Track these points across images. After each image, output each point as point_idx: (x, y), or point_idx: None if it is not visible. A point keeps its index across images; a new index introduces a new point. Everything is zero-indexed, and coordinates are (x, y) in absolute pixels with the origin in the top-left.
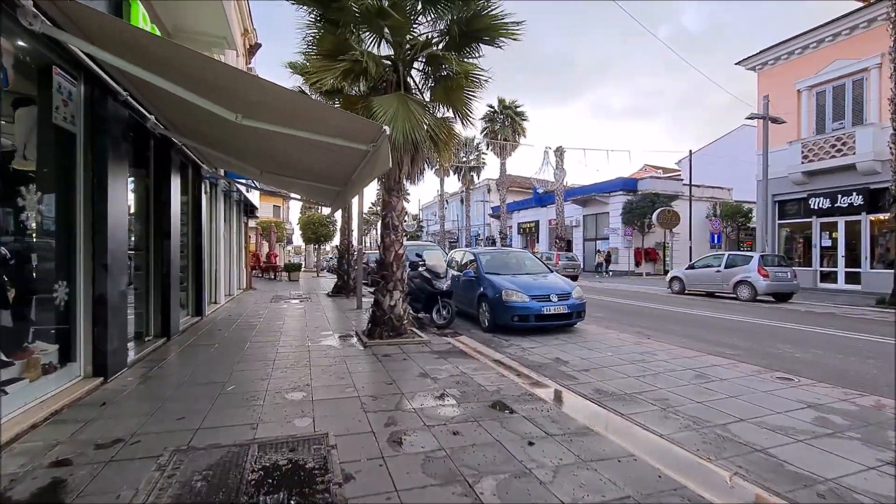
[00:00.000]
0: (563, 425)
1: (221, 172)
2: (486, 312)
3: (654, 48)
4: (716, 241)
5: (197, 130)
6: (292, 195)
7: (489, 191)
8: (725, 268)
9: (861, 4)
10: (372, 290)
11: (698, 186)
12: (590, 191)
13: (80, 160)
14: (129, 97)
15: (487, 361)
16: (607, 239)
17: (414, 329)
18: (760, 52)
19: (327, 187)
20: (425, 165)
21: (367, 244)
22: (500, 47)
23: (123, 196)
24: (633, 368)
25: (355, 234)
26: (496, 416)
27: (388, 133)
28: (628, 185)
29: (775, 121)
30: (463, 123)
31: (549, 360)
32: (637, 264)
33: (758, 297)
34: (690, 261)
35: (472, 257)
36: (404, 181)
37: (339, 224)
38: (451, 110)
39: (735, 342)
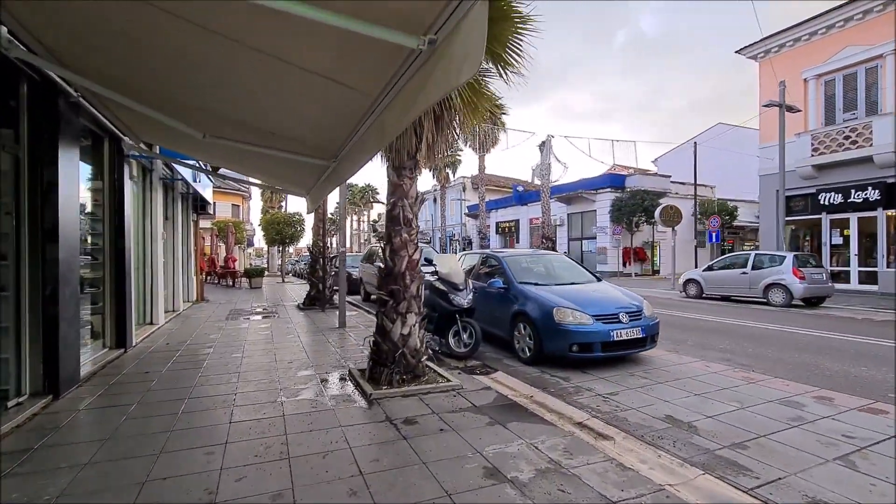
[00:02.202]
0: None
1: (156, 150)
2: (526, 338)
3: (613, 51)
4: (713, 240)
5: (105, 59)
6: (253, 181)
7: (464, 189)
8: (753, 269)
9: None
10: (353, 300)
11: (683, 184)
12: (576, 188)
13: None
14: None
15: (570, 427)
16: (594, 238)
17: (431, 365)
18: (763, 39)
19: (311, 161)
20: (455, 134)
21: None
22: None
23: None
24: (804, 437)
25: (340, 237)
26: None
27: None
28: (616, 181)
29: (791, 109)
30: (505, 76)
31: (657, 419)
32: (624, 264)
33: (793, 302)
34: (674, 261)
35: (496, 262)
36: (422, 158)
37: (309, 223)
38: (488, 60)
39: (872, 374)
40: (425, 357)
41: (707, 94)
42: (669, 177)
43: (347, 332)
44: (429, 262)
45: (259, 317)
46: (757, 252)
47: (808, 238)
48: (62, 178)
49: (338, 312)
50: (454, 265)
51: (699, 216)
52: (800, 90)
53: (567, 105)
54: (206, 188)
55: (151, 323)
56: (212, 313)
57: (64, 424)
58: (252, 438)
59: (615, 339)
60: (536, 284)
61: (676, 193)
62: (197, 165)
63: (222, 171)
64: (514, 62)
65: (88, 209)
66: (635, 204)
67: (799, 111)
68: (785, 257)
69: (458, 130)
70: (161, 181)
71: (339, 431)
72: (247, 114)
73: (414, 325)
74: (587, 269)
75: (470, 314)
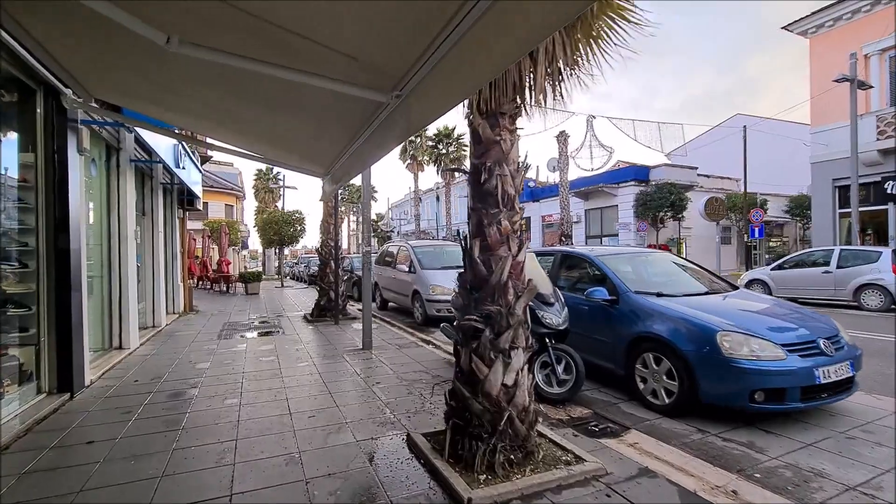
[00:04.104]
0: None
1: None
2: (661, 376)
3: (608, 49)
4: (757, 235)
5: None
6: (250, 153)
7: None
8: (838, 267)
9: None
10: (374, 308)
11: (708, 177)
12: (595, 181)
13: None
14: None
15: None
16: (615, 236)
17: (547, 433)
18: (814, 12)
19: (357, 95)
20: (591, 52)
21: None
22: None
23: None
24: None
25: (366, 230)
26: None
27: None
28: (640, 174)
29: (862, 85)
30: None
31: None
32: None
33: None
34: (719, 258)
35: (589, 264)
36: (539, 90)
37: (311, 221)
38: None
39: None
40: (540, 420)
41: (699, 93)
42: (696, 168)
43: (377, 358)
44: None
45: (259, 333)
46: (843, 248)
47: (868, 232)
48: None
49: (356, 327)
50: (536, 269)
51: (755, 207)
52: (857, 67)
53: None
54: (195, 184)
55: (120, 347)
56: (201, 329)
57: None
58: None
59: (821, 380)
60: (660, 295)
61: (702, 187)
62: (176, 132)
63: (209, 140)
64: None
65: (13, 195)
66: (662, 198)
67: (871, 87)
68: (881, 253)
69: (594, 47)
70: (133, 165)
71: None
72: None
73: (522, 370)
74: (713, 273)
75: (564, 337)
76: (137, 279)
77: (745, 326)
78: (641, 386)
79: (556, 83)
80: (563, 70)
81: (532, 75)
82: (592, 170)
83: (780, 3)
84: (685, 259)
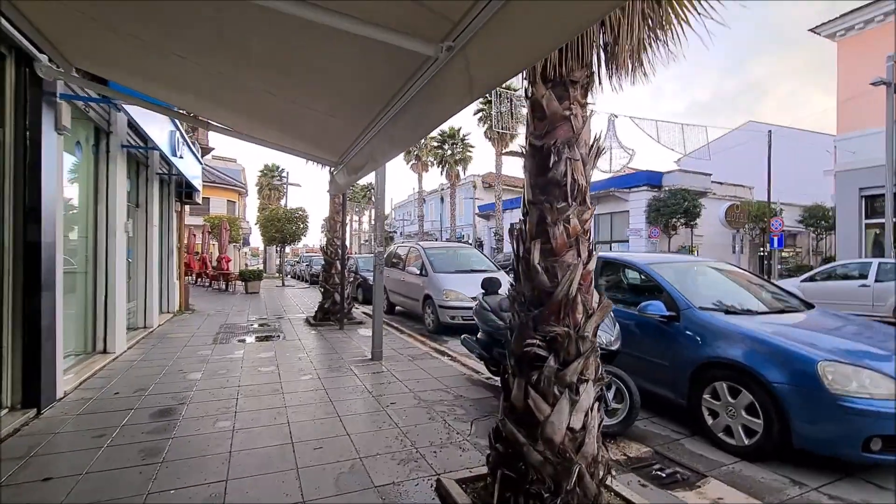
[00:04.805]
0: None
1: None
2: (739, 412)
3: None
4: (776, 245)
5: None
6: (252, 135)
7: (475, 187)
8: (876, 281)
9: None
10: (371, 310)
11: (721, 184)
12: (606, 186)
13: None
14: None
15: None
16: (626, 242)
17: (612, 485)
18: (843, 14)
19: (395, 42)
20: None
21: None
22: None
23: None
24: None
25: (379, 228)
26: None
27: None
28: (653, 179)
29: None
30: None
31: None
32: None
33: None
34: (749, 266)
35: (639, 273)
36: (624, 52)
37: (314, 220)
38: None
39: None
40: (612, 474)
41: (706, 97)
42: (710, 175)
43: (389, 371)
44: (490, 285)
45: (259, 338)
46: (882, 261)
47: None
48: None
49: (362, 333)
50: None
51: (776, 215)
52: (881, 72)
53: None
54: (194, 177)
55: (105, 351)
56: (196, 331)
57: None
58: None
59: None
60: (729, 312)
61: (715, 194)
62: (174, 110)
63: (210, 121)
64: None
65: None
66: (676, 204)
67: None
68: None
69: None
70: (125, 151)
71: None
72: None
73: (591, 409)
74: (781, 287)
75: (613, 359)
76: (128, 276)
77: (850, 355)
78: (710, 421)
79: (646, 48)
80: (651, 33)
81: (615, 33)
82: (611, 172)
83: (783, 3)
84: (739, 268)
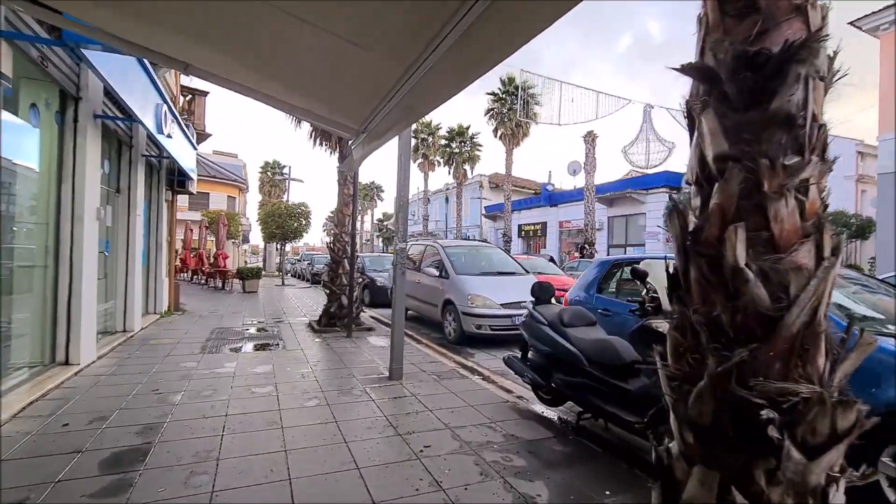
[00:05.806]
0: None
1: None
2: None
3: (618, 55)
4: None
5: None
6: (261, 94)
7: (481, 187)
8: None
9: None
10: (382, 315)
11: None
12: (622, 187)
13: None
14: None
15: None
16: (642, 245)
17: None
18: (886, 7)
19: None
20: None
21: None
22: None
23: None
24: None
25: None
26: None
27: None
28: (672, 180)
29: None
30: None
31: None
32: None
33: None
34: None
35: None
36: None
37: (317, 217)
38: None
39: None
40: None
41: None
42: None
43: (413, 396)
44: (543, 292)
45: (254, 346)
46: None
47: None
48: None
49: (373, 342)
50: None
51: None
52: None
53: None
54: (188, 163)
55: (66, 363)
56: (183, 336)
57: None
58: None
59: None
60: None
61: None
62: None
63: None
64: None
65: None
66: None
67: None
68: None
69: None
70: (98, 122)
71: None
72: None
73: None
74: None
75: None
76: (104, 272)
77: None
78: (894, 497)
79: None
80: None
81: None
82: (648, 167)
83: None
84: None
